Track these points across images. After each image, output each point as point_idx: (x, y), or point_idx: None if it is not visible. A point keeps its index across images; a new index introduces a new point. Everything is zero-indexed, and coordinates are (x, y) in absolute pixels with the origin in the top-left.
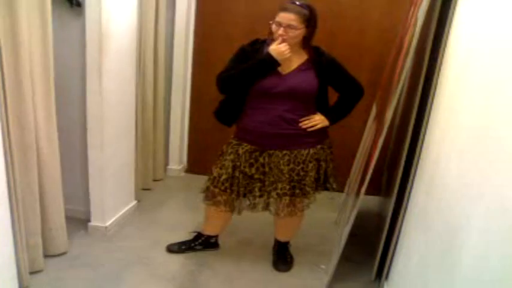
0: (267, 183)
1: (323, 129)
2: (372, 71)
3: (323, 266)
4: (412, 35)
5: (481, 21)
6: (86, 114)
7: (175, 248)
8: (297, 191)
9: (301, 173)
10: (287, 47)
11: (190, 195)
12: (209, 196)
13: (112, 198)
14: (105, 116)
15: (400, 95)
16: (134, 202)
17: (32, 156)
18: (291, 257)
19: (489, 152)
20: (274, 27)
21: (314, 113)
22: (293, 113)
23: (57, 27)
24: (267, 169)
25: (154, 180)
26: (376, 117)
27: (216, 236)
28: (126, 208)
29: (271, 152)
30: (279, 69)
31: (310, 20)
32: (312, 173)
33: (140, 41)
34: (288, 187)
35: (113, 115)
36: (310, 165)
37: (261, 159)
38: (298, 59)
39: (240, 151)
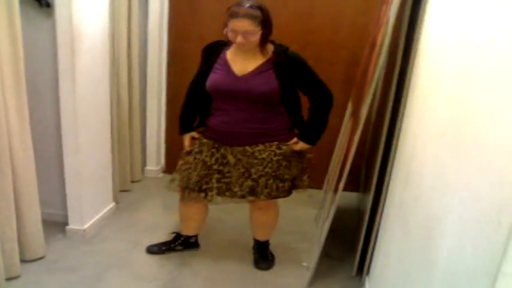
0: (236, 175)
1: (289, 129)
2: (347, 68)
3: (305, 264)
4: (385, 33)
5: (452, 16)
6: (60, 116)
7: (155, 249)
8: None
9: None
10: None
11: (169, 196)
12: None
13: (90, 200)
14: (80, 118)
15: (375, 91)
16: (112, 204)
17: (5, 161)
18: (272, 255)
19: (461, 144)
20: (230, 34)
21: (282, 113)
22: (257, 114)
23: (27, 29)
24: (239, 166)
25: (133, 182)
26: (352, 114)
27: (196, 236)
28: (105, 210)
29: (239, 148)
30: (235, 70)
31: (264, 21)
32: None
33: (113, 41)
34: (261, 168)
35: (87, 116)
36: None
37: (230, 157)
38: (256, 61)
39: (206, 148)
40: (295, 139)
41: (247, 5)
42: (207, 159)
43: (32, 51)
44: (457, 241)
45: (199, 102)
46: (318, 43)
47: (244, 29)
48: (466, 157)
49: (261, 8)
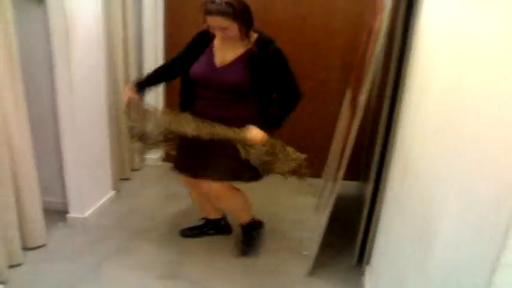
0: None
1: (254, 118)
2: (343, 55)
3: (305, 252)
4: (382, 20)
5: (450, 2)
6: (57, 105)
7: (188, 233)
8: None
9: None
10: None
11: (169, 184)
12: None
13: (89, 188)
14: (77, 105)
15: (374, 79)
16: (112, 192)
17: (3, 150)
18: (254, 240)
19: (457, 134)
20: (210, 28)
21: (251, 103)
22: (228, 101)
23: (19, 17)
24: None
25: (132, 170)
26: (350, 101)
27: (224, 219)
28: (105, 198)
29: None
30: (216, 60)
31: (237, 15)
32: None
33: (108, 27)
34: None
35: (84, 104)
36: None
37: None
38: (236, 52)
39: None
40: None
41: (218, 0)
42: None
43: (25, 40)
44: (455, 232)
45: (185, 85)
46: (312, 29)
47: (217, 24)
48: (462, 148)
49: (232, 4)
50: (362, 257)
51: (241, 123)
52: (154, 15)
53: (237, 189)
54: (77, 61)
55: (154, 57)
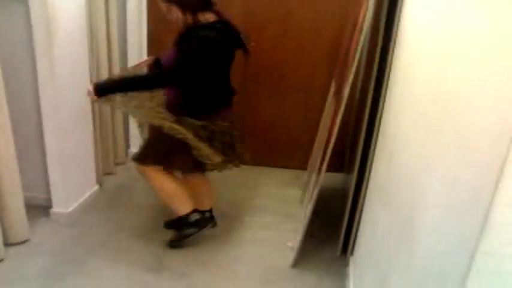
0: None
1: (178, 106)
2: (328, 48)
3: (290, 244)
4: (366, 11)
5: None
6: (40, 100)
7: (172, 225)
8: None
9: None
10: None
11: None
12: None
13: (73, 183)
14: (60, 100)
15: (358, 71)
16: (96, 187)
17: None
18: (180, 236)
19: (440, 124)
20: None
21: (179, 89)
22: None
23: (1, 14)
24: None
25: (117, 164)
26: (334, 93)
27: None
28: (88, 193)
29: None
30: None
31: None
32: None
33: (91, 23)
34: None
35: (67, 99)
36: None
37: None
38: None
39: None
40: None
41: None
42: None
43: (8, 36)
44: (437, 220)
45: None
46: (298, 25)
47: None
48: (443, 137)
49: None
50: (346, 248)
51: (174, 110)
52: (138, 10)
53: (171, 176)
54: (59, 56)
55: (138, 52)
